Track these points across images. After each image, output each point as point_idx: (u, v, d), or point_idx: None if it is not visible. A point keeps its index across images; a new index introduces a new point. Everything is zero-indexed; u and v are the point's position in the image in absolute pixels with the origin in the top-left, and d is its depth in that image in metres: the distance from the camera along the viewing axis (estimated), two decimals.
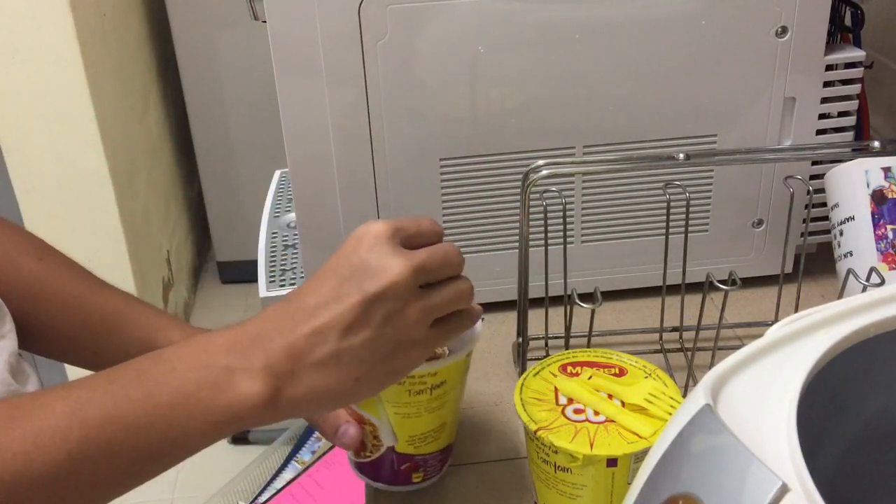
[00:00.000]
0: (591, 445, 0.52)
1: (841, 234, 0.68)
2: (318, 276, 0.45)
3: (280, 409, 0.43)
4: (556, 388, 0.57)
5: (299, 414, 0.46)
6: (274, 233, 0.88)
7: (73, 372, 1.55)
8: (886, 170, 0.67)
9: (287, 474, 1.61)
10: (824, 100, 0.75)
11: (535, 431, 0.53)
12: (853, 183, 0.68)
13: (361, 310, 0.43)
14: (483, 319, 0.53)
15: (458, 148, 0.74)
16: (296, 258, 0.83)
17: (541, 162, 0.64)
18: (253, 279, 0.83)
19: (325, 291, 0.44)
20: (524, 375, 0.58)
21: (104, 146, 1.57)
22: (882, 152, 0.65)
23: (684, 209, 0.69)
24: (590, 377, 0.57)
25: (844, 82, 0.75)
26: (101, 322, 0.56)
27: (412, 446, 0.58)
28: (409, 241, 0.46)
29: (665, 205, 0.68)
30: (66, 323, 0.56)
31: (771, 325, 0.39)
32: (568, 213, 0.76)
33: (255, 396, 0.41)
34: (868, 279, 0.64)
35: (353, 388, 0.44)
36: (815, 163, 0.78)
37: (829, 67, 0.74)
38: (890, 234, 0.66)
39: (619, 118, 0.74)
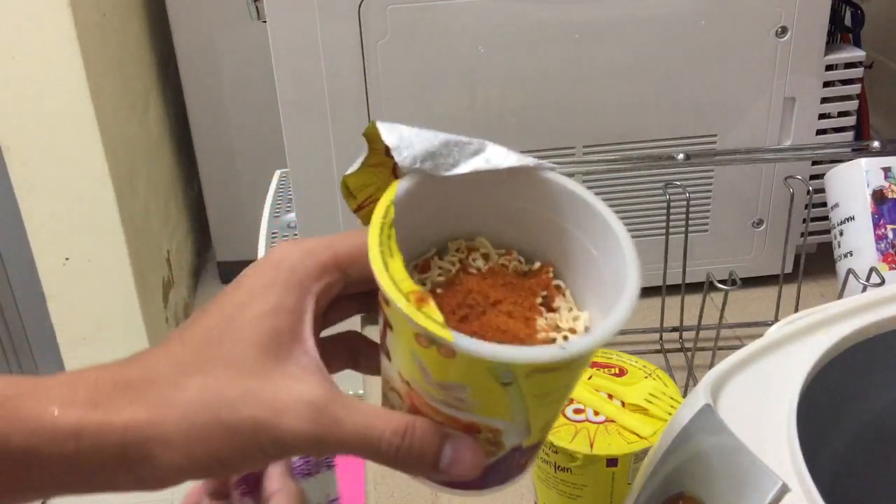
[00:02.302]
0: (592, 445, 0.52)
1: (841, 234, 0.68)
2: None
3: None
4: None
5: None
6: (274, 233, 0.88)
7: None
8: (886, 170, 0.67)
9: None
10: (824, 100, 0.75)
11: None
12: (853, 183, 0.68)
13: None
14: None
15: None
16: None
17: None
18: None
19: None
20: None
21: (104, 146, 1.57)
22: (882, 152, 0.65)
23: (684, 209, 0.69)
24: (590, 377, 0.57)
25: (844, 82, 0.75)
26: None
27: (542, 434, 0.38)
28: None
29: (665, 205, 0.68)
30: None
31: (771, 325, 0.39)
32: None
33: None
34: (868, 279, 0.64)
35: None
36: (815, 163, 0.78)
37: (829, 67, 0.74)
38: (890, 234, 0.66)
39: (619, 118, 0.74)
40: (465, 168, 0.35)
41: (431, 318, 0.30)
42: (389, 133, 0.35)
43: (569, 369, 0.33)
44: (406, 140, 0.35)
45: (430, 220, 0.35)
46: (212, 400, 0.32)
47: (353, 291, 0.38)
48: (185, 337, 0.34)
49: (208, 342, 0.33)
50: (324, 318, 0.37)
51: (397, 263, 0.31)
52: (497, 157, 0.36)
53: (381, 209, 0.33)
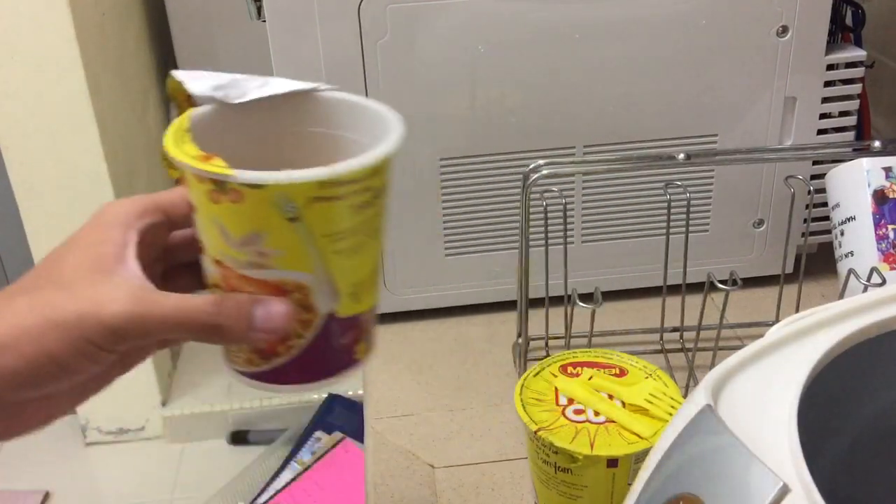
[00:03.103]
0: (592, 446, 0.52)
1: (842, 234, 0.68)
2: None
3: None
4: (556, 389, 0.57)
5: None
6: None
7: None
8: (887, 170, 0.67)
9: (287, 475, 1.61)
10: (825, 99, 0.75)
11: (536, 432, 0.53)
12: (854, 183, 0.68)
13: None
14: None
15: (458, 148, 0.74)
16: None
17: (541, 162, 0.64)
18: None
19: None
20: (524, 376, 0.58)
21: (104, 146, 1.57)
22: (883, 152, 0.65)
23: (685, 209, 0.68)
24: (590, 377, 0.57)
25: (845, 82, 0.75)
26: None
27: (355, 300, 0.39)
28: None
29: (665, 205, 0.68)
30: None
31: (772, 325, 0.39)
32: (568, 213, 0.76)
33: None
34: (869, 279, 0.64)
35: None
36: (815, 162, 0.78)
37: (829, 67, 0.74)
38: (891, 234, 0.65)
39: (619, 118, 0.73)
40: (251, 96, 0.39)
41: (215, 165, 0.34)
42: (186, 76, 0.40)
43: (344, 199, 0.35)
44: (198, 76, 0.40)
45: (233, 154, 0.36)
46: (39, 305, 0.35)
47: (186, 258, 0.41)
48: (24, 275, 0.38)
49: (40, 273, 0.38)
50: (169, 283, 0.41)
51: (190, 146, 0.36)
52: (278, 85, 0.40)
53: (177, 121, 0.38)
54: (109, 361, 0.37)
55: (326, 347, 0.39)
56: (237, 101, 0.39)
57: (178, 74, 0.40)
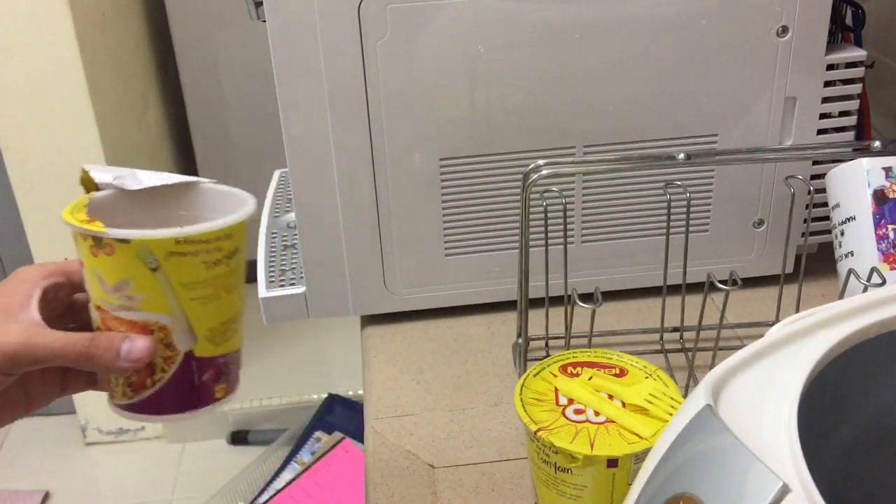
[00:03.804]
0: (592, 446, 0.52)
1: (842, 234, 0.68)
2: None
3: None
4: (556, 389, 0.57)
5: None
6: (274, 233, 0.88)
7: None
8: (887, 170, 0.67)
9: (286, 475, 1.61)
10: (825, 99, 0.75)
11: (536, 432, 0.53)
12: (854, 183, 0.68)
13: None
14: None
15: (458, 148, 0.74)
16: (296, 258, 0.83)
17: (541, 162, 0.64)
18: (252, 279, 0.83)
19: None
20: (524, 376, 0.58)
21: (103, 146, 1.57)
22: (883, 152, 0.65)
23: (685, 209, 0.68)
24: (590, 377, 0.57)
25: (845, 82, 0.75)
26: None
27: (213, 344, 0.48)
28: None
29: (665, 205, 0.68)
30: None
31: (772, 325, 0.39)
32: (568, 213, 0.76)
33: None
34: (869, 279, 0.64)
35: None
36: (815, 162, 0.78)
37: (830, 67, 0.74)
38: (891, 234, 0.65)
39: (619, 118, 0.73)
40: (143, 185, 0.49)
41: (95, 225, 0.44)
42: (93, 168, 0.49)
43: (196, 255, 0.44)
44: (104, 168, 0.49)
45: (122, 226, 0.45)
46: None
47: (88, 318, 0.49)
48: None
49: None
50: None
51: (80, 214, 0.45)
52: (166, 178, 0.50)
53: (78, 199, 0.48)
54: (8, 383, 0.46)
55: (187, 383, 0.48)
56: (132, 189, 0.49)
57: (87, 167, 0.49)
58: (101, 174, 0.49)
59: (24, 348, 0.44)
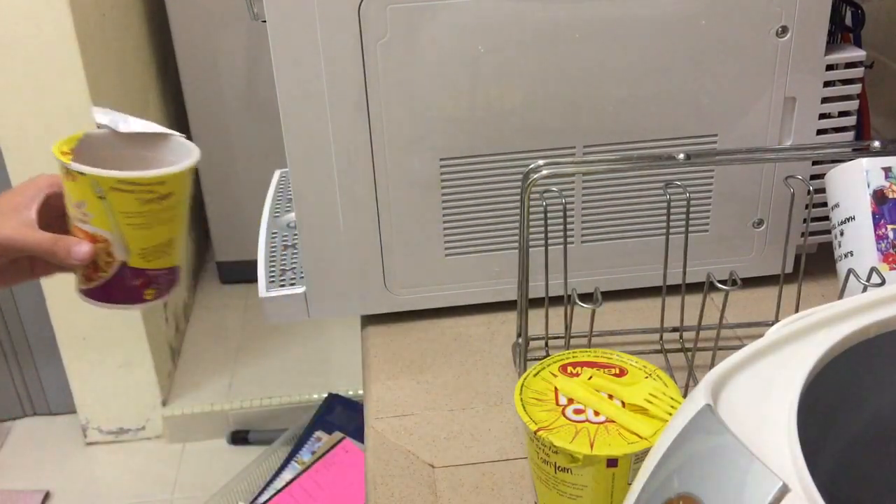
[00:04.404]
0: (592, 446, 0.52)
1: (841, 234, 0.68)
2: None
3: None
4: (556, 389, 0.57)
5: None
6: (274, 233, 0.88)
7: (72, 371, 1.55)
8: (887, 170, 0.67)
9: (287, 475, 1.61)
10: (825, 100, 0.75)
11: (536, 431, 0.53)
12: (854, 183, 0.68)
13: None
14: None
15: (458, 148, 0.74)
16: (296, 258, 0.83)
17: (541, 162, 0.64)
18: (253, 279, 0.83)
19: None
20: (524, 376, 0.58)
21: None
22: (882, 152, 0.65)
23: (684, 209, 0.69)
24: (590, 377, 0.57)
25: (845, 82, 0.75)
26: None
27: (144, 259, 0.62)
28: None
29: (665, 205, 0.68)
30: None
31: (771, 325, 0.39)
32: (568, 213, 0.76)
33: None
34: (868, 279, 0.64)
35: None
36: (815, 163, 0.78)
37: (829, 67, 0.74)
38: (890, 234, 0.66)
39: (619, 118, 0.74)
40: (131, 129, 0.62)
41: (66, 158, 0.58)
42: (97, 111, 0.63)
43: (133, 193, 0.58)
44: (103, 111, 0.63)
45: (108, 158, 0.60)
46: None
47: None
48: None
49: None
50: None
51: (65, 147, 0.59)
52: (150, 127, 0.63)
53: (74, 134, 0.61)
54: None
55: (122, 283, 0.62)
56: (121, 131, 0.62)
57: (94, 108, 0.63)
58: (100, 116, 0.62)
59: (10, 241, 0.60)
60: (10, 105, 1.51)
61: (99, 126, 0.62)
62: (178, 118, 2.10)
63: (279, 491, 1.50)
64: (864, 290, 0.63)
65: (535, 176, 0.63)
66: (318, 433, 1.60)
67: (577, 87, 0.72)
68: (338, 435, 1.57)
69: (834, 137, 0.77)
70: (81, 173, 0.57)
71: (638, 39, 0.71)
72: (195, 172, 0.63)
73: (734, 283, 0.62)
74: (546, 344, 0.74)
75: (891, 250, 0.65)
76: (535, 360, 0.62)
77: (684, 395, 0.56)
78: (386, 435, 0.68)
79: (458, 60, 0.70)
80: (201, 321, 2.13)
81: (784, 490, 0.29)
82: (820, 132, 0.77)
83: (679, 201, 0.71)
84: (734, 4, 0.70)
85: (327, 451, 1.54)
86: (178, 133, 0.64)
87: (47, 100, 1.51)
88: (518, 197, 0.74)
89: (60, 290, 1.67)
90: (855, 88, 0.76)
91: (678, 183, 0.72)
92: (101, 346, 1.73)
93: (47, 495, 1.71)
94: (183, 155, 0.62)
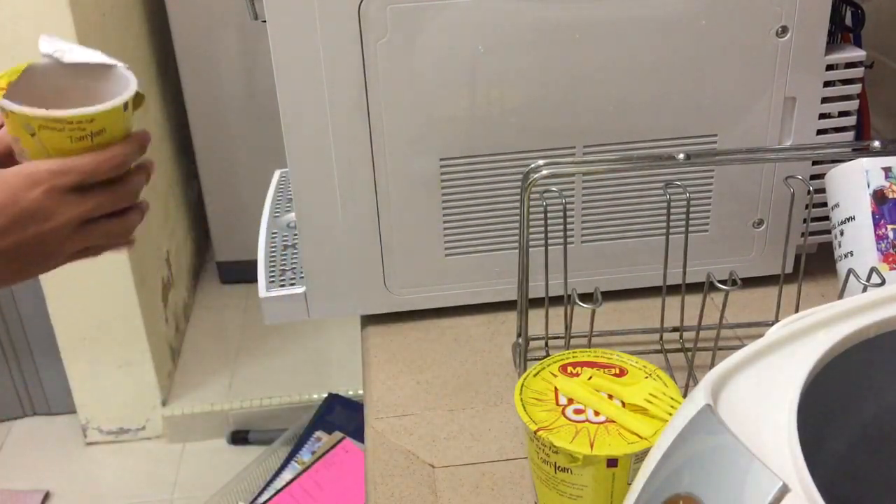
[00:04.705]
0: (592, 446, 0.52)
1: (841, 234, 0.68)
2: None
3: None
4: (556, 389, 0.57)
5: None
6: (274, 233, 0.88)
7: (72, 371, 1.55)
8: (887, 170, 0.67)
9: (287, 474, 1.61)
10: (825, 100, 0.75)
11: (536, 431, 0.53)
12: (853, 183, 0.68)
13: (25, 244, 0.56)
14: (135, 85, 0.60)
15: (458, 148, 0.74)
16: (296, 258, 0.83)
17: (541, 162, 0.64)
18: (253, 279, 0.83)
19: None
20: (524, 376, 0.58)
21: None
22: (882, 152, 0.65)
23: (684, 209, 0.69)
24: (590, 377, 0.57)
25: (845, 82, 0.75)
26: None
27: None
28: (80, 185, 0.57)
29: (665, 205, 0.68)
30: None
31: (771, 325, 0.39)
32: (568, 213, 0.76)
33: None
34: (868, 279, 0.64)
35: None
36: (815, 163, 0.78)
37: (829, 67, 0.74)
38: (890, 234, 0.66)
39: (619, 118, 0.74)
40: (75, 59, 0.59)
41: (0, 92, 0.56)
42: (44, 42, 0.60)
43: (62, 131, 0.56)
44: (49, 40, 0.60)
45: (52, 90, 0.59)
46: None
47: None
48: None
49: None
50: None
51: (3, 81, 0.57)
52: (95, 56, 0.60)
53: (17, 66, 0.59)
54: None
55: None
56: (64, 62, 0.60)
57: (43, 36, 0.60)
58: (45, 45, 0.60)
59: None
60: None
61: (43, 56, 0.60)
62: (178, 118, 2.10)
63: (279, 491, 1.50)
64: (864, 290, 0.63)
65: (535, 176, 0.63)
66: (318, 433, 1.60)
67: (577, 87, 0.72)
68: (338, 435, 1.57)
69: (834, 137, 0.77)
70: (12, 112, 0.56)
71: (638, 39, 0.71)
72: (138, 108, 0.62)
73: (734, 283, 0.62)
74: (546, 344, 0.74)
75: (891, 250, 0.65)
76: (535, 360, 0.62)
77: (684, 395, 0.56)
78: (386, 435, 0.68)
79: (458, 60, 0.70)
80: (201, 321, 2.13)
81: (784, 490, 0.29)
82: (820, 132, 0.77)
83: (679, 201, 0.71)
84: (734, 4, 0.70)
85: (327, 451, 1.54)
86: (121, 64, 0.61)
87: None
88: (518, 197, 0.74)
89: (60, 290, 1.67)
90: (855, 88, 0.76)
91: (678, 183, 0.72)
92: (101, 346, 1.73)
93: (47, 495, 1.71)
94: (124, 86, 0.60)
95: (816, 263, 0.81)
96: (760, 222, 0.79)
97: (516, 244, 0.77)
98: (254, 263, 0.84)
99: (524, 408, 0.55)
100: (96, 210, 0.58)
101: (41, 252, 0.57)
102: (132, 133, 0.60)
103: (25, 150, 0.58)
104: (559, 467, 0.53)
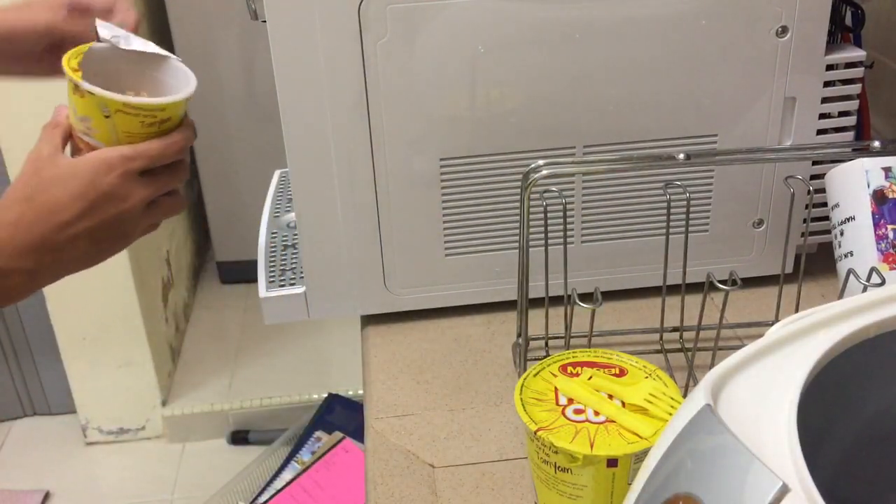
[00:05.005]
0: (592, 446, 0.52)
1: (841, 234, 0.68)
2: (67, 189, 0.59)
3: (34, 289, 0.61)
4: (556, 389, 0.57)
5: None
6: (274, 233, 0.88)
7: (72, 371, 1.55)
8: (887, 170, 0.67)
9: (287, 475, 1.61)
10: (825, 100, 0.75)
11: (536, 431, 0.53)
12: (853, 183, 0.68)
13: (106, 225, 0.60)
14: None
15: (458, 148, 0.74)
16: (296, 258, 0.83)
17: (541, 162, 0.64)
18: (253, 279, 0.83)
19: (76, 209, 0.59)
20: (524, 376, 0.58)
21: None
22: (882, 152, 0.65)
23: (684, 209, 0.69)
24: (590, 377, 0.57)
25: (845, 82, 0.75)
26: None
27: None
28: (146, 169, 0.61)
29: (665, 205, 0.68)
30: None
31: (771, 325, 0.39)
32: (568, 213, 0.76)
33: (20, 287, 0.59)
34: (868, 279, 0.64)
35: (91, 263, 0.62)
36: (815, 163, 0.78)
37: (829, 67, 0.74)
38: (890, 234, 0.66)
39: (619, 118, 0.74)
40: (133, 47, 0.64)
41: (76, 75, 0.59)
42: (101, 25, 0.64)
43: (136, 116, 0.60)
44: (107, 26, 0.64)
45: (112, 73, 0.63)
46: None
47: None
48: None
49: None
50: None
51: (74, 62, 0.60)
52: (152, 47, 0.65)
53: (80, 47, 0.62)
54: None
55: None
56: (122, 48, 0.64)
57: (98, 21, 0.64)
58: (104, 30, 0.64)
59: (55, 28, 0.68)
60: (10, 105, 1.51)
61: (101, 40, 0.64)
62: None
63: (279, 491, 1.50)
64: (864, 290, 0.63)
65: (535, 176, 0.63)
66: (318, 433, 1.60)
67: (577, 87, 0.72)
68: (338, 435, 1.57)
69: (834, 137, 0.77)
70: (91, 93, 0.59)
71: (638, 39, 0.71)
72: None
73: (734, 283, 0.62)
74: (546, 344, 0.74)
75: (891, 250, 0.65)
76: (535, 360, 0.62)
77: (684, 395, 0.56)
78: (386, 435, 0.68)
79: (458, 60, 0.70)
80: (201, 321, 2.13)
81: (784, 490, 0.29)
82: (820, 132, 0.77)
83: (679, 201, 0.71)
84: (734, 4, 0.70)
85: (327, 451, 1.54)
86: (175, 56, 0.66)
87: (47, 100, 1.51)
88: (518, 197, 0.74)
89: (60, 291, 1.67)
90: (855, 88, 0.76)
91: (678, 183, 0.72)
92: (101, 346, 1.73)
93: (47, 495, 1.71)
94: (180, 79, 0.65)
95: (816, 263, 0.81)
96: (760, 222, 0.79)
97: (516, 244, 0.77)
98: (254, 263, 0.84)
99: (524, 408, 0.55)
100: (161, 190, 0.63)
101: (120, 230, 0.61)
102: (186, 120, 0.65)
103: (94, 130, 0.61)
104: (559, 467, 0.53)
